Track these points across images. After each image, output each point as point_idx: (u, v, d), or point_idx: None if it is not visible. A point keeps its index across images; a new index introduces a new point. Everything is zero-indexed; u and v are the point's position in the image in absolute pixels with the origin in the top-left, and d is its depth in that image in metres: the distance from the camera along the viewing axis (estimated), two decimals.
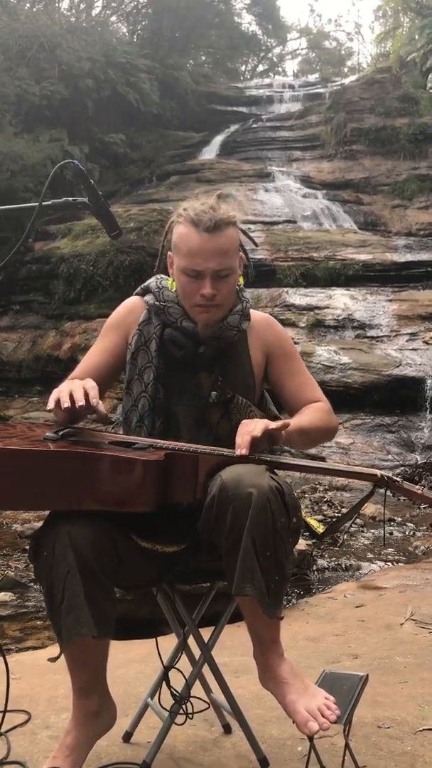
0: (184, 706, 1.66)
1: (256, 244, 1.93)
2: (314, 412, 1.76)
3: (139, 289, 1.87)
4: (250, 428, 1.53)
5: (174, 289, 1.77)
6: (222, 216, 1.67)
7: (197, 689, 1.80)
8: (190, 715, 1.68)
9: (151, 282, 1.83)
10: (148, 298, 1.81)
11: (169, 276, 1.80)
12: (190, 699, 1.67)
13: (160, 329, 1.76)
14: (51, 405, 1.54)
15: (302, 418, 1.72)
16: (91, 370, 1.77)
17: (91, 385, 1.55)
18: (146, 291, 1.84)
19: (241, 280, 1.80)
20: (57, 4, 20.70)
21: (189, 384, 1.74)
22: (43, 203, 1.64)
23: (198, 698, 1.71)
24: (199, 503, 1.51)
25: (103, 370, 1.79)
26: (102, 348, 1.82)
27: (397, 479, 1.56)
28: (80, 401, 1.50)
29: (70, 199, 1.73)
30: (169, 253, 1.76)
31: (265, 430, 1.52)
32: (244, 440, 1.52)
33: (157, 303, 1.77)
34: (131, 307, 1.84)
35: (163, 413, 1.72)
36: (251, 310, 1.84)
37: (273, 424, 1.54)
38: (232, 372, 1.75)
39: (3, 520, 5.56)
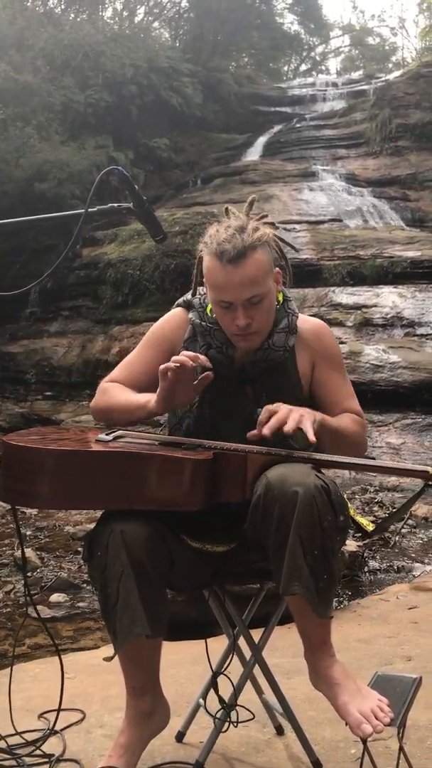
0: (230, 714, 1.66)
1: (296, 250, 1.86)
2: (351, 421, 1.72)
3: (181, 300, 1.83)
4: (282, 417, 1.49)
5: (214, 316, 1.73)
6: (247, 241, 1.60)
7: (249, 690, 1.80)
8: (235, 723, 1.67)
9: (195, 299, 1.80)
10: (192, 315, 1.77)
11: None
12: (240, 702, 1.67)
13: (205, 349, 1.73)
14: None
15: (338, 421, 1.68)
16: (133, 379, 1.77)
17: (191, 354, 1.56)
18: (189, 305, 1.80)
19: (280, 297, 1.75)
20: (101, 13, 21.00)
21: (235, 401, 1.71)
22: (89, 210, 1.66)
23: (243, 707, 1.70)
24: (248, 503, 1.51)
25: (144, 381, 1.76)
26: (147, 359, 1.78)
27: None
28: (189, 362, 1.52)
29: (116, 205, 1.74)
30: (205, 280, 1.71)
31: (295, 429, 1.48)
32: (270, 425, 1.49)
33: (202, 324, 1.75)
34: (177, 322, 1.80)
35: (208, 431, 1.69)
36: (300, 316, 1.79)
37: (309, 426, 1.48)
38: (279, 387, 1.71)
39: (56, 522, 5.65)
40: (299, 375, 1.75)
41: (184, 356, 1.54)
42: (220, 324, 1.71)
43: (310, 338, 1.78)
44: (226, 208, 1.75)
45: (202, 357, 1.57)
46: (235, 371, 1.72)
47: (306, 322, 1.81)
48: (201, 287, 1.78)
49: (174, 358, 1.54)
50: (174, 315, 1.83)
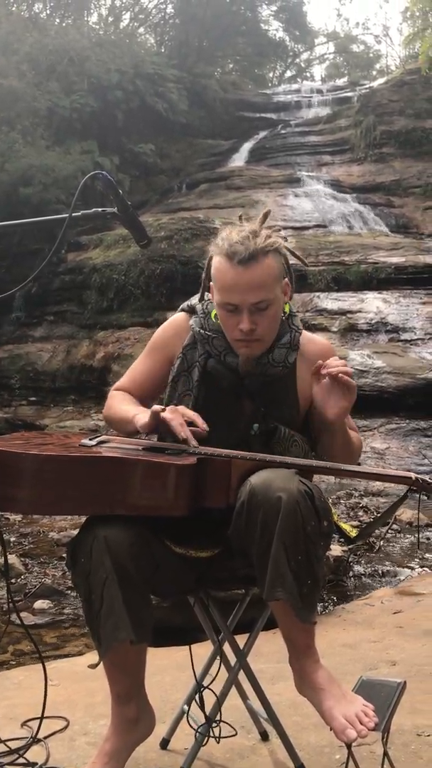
0: (212, 729, 1.65)
1: (305, 264, 1.85)
2: (357, 437, 1.77)
3: (185, 305, 1.82)
4: (347, 370, 1.62)
5: (218, 321, 1.71)
6: (259, 245, 1.58)
7: (233, 696, 1.79)
8: (217, 739, 1.67)
9: (198, 305, 1.78)
10: (194, 322, 1.76)
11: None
12: (225, 707, 1.66)
13: (204, 358, 1.72)
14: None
15: (349, 432, 1.72)
16: (137, 387, 1.79)
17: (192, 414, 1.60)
18: (192, 310, 1.79)
19: (287, 308, 1.74)
20: (86, 18, 21.02)
21: (230, 412, 1.70)
22: (73, 214, 1.65)
23: (226, 723, 1.69)
24: (232, 509, 1.50)
25: (146, 388, 1.80)
26: (149, 368, 1.80)
27: None
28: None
29: (100, 209, 1.73)
30: (211, 283, 1.70)
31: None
32: (339, 366, 1.59)
33: (201, 331, 1.73)
34: (178, 327, 1.79)
35: (201, 441, 1.65)
36: (305, 334, 1.78)
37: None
38: (277, 402, 1.70)
39: (40, 528, 5.61)
40: (298, 393, 1.74)
41: (178, 424, 1.57)
42: (223, 328, 1.68)
43: (317, 357, 1.72)
44: (240, 216, 1.73)
45: (200, 425, 1.59)
46: (234, 383, 1.71)
47: (312, 342, 1.79)
48: (208, 292, 1.76)
49: (168, 415, 1.57)
50: (175, 320, 1.82)
